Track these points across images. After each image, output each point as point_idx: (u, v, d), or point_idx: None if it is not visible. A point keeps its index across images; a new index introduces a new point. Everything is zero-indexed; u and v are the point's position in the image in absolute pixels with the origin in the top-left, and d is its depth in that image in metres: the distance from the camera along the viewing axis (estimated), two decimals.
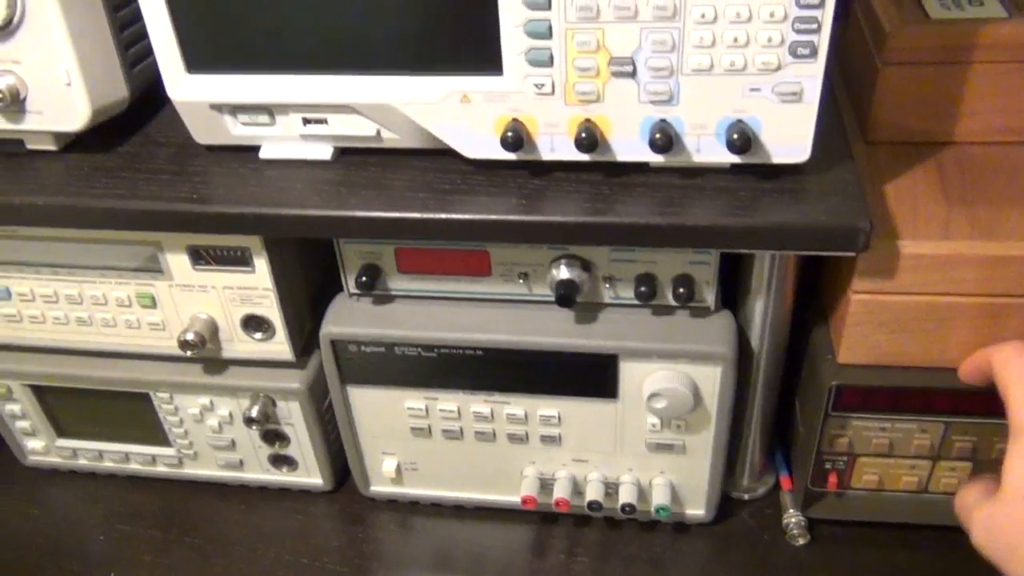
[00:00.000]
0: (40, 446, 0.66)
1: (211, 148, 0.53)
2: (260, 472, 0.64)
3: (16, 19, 0.47)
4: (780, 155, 0.45)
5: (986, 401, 0.51)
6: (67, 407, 0.63)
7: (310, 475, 0.63)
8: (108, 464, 0.66)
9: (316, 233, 0.50)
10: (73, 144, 0.54)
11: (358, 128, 0.49)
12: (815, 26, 0.41)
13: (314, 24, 0.45)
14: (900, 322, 0.49)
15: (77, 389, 0.61)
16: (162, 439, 0.63)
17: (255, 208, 0.49)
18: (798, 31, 0.41)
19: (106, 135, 0.53)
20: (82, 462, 0.66)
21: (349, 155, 0.51)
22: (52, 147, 0.53)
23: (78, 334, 0.58)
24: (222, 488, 0.66)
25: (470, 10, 0.43)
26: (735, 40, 0.42)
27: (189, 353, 0.55)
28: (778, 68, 0.42)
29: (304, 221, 0.49)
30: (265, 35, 0.46)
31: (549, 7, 0.42)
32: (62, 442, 0.65)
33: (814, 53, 0.42)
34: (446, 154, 0.49)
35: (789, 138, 0.44)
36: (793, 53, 0.42)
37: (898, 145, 0.54)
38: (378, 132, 0.49)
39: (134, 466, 0.66)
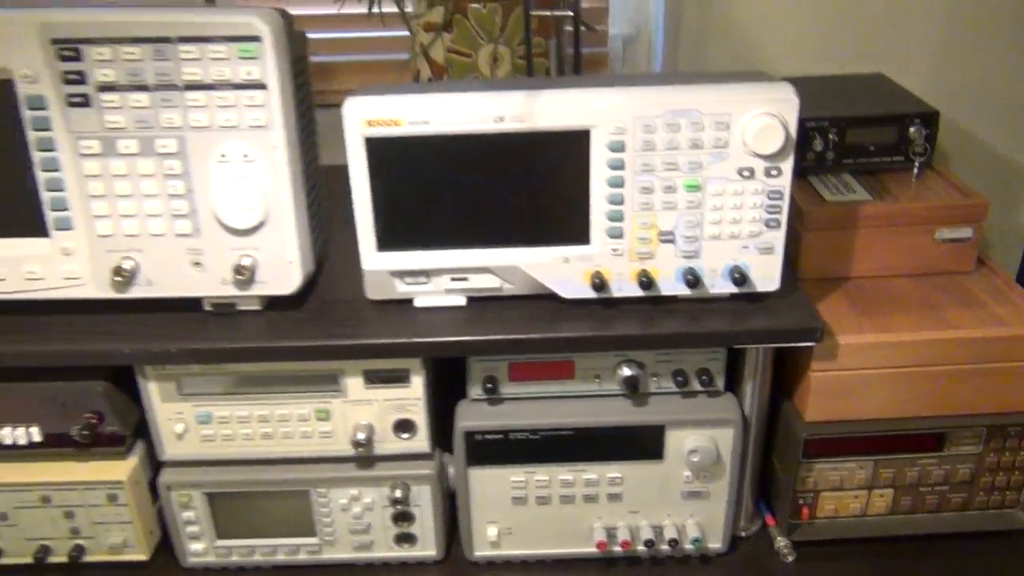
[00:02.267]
0: (201, 548, 0.82)
1: (375, 302, 0.76)
2: (385, 551, 0.83)
3: (263, 221, 0.70)
4: (761, 286, 0.73)
5: (900, 441, 0.79)
6: (233, 510, 0.80)
7: (426, 548, 0.82)
8: (257, 558, 0.83)
9: (458, 353, 0.74)
10: (269, 305, 0.76)
11: (487, 283, 0.74)
12: (779, 212, 0.70)
13: (469, 216, 0.71)
14: (842, 389, 0.76)
15: (246, 492, 0.79)
16: (309, 530, 0.81)
17: (416, 338, 0.72)
18: (769, 213, 0.70)
19: (291, 297, 0.76)
20: (234, 558, 0.83)
21: (476, 301, 0.76)
22: (257, 307, 0.75)
23: (260, 446, 0.78)
24: (351, 568, 0.83)
25: (572, 209, 0.70)
26: (733, 220, 0.70)
27: (360, 451, 0.75)
28: (759, 234, 0.71)
29: (452, 346, 0.72)
30: (433, 224, 0.71)
31: (622, 203, 0.70)
32: (220, 542, 0.82)
33: (779, 225, 0.71)
34: (546, 297, 0.75)
35: (766, 276, 0.72)
36: (767, 225, 0.71)
37: (818, 280, 0.84)
38: (500, 285, 0.74)
39: (280, 557, 0.83)
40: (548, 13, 0.92)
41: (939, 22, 1.08)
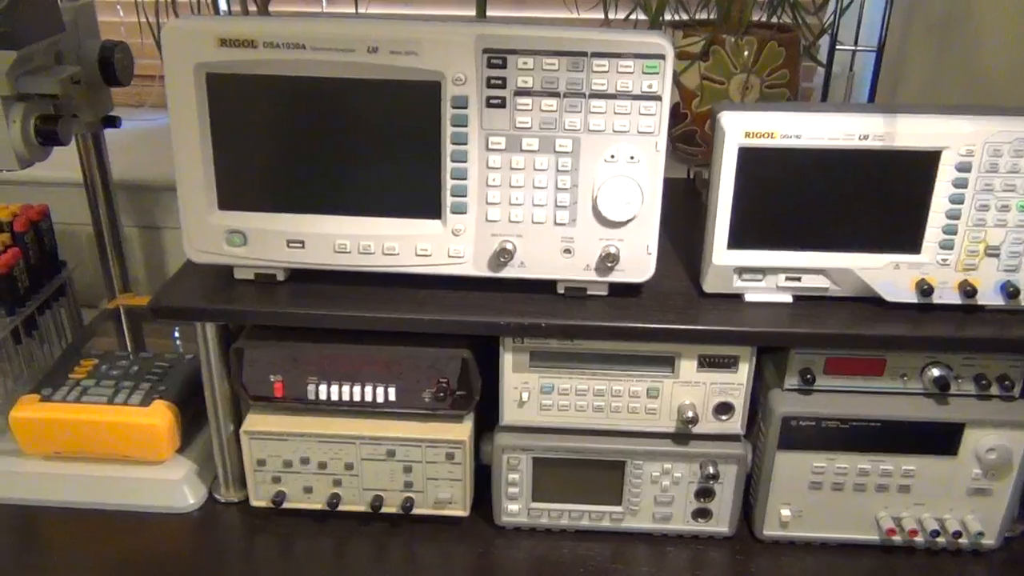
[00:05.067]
0: (517, 508, 0.91)
1: (705, 294, 0.84)
2: (681, 524, 0.90)
3: (635, 216, 0.79)
4: None
5: None
6: (552, 475, 0.89)
7: (719, 525, 0.90)
8: (564, 522, 0.91)
9: (786, 343, 0.82)
10: (611, 291, 0.84)
11: (817, 283, 0.82)
12: None
13: (815, 222, 0.79)
14: None
15: (568, 460, 0.88)
16: (616, 499, 0.90)
17: (752, 328, 0.81)
18: None
19: (631, 285, 0.84)
20: (543, 520, 0.91)
21: (798, 299, 0.84)
22: (604, 293, 0.84)
23: (589, 418, 0.86)
24: (648, 538, 0.91)
25: (909, 220, 0.78)
26: None
27: (687, 429, 0.84)
28: None
29: (785, 336, 0.81)
30: (781, 228, 0.80)
31: (958, 218, 0.78)
32: (534, 504, 0.90)
33: None
34: (862, 299, 0.83)
35: None
36: None
37: None
38: (828, 286, 0.82)
39: (584, 522, 0.91)
40: (852, 48, 1.01)
41: None
